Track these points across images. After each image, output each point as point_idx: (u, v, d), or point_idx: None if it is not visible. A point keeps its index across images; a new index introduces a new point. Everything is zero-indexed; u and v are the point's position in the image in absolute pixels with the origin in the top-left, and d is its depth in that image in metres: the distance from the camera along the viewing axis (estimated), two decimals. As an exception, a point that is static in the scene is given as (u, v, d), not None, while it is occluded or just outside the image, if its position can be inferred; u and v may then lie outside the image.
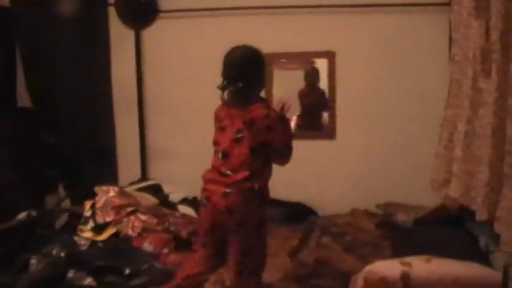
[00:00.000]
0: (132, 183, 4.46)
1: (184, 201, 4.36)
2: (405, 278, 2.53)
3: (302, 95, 4.58)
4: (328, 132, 4.52)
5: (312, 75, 4.57)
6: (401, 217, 4.00)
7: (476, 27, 2.49)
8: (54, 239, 3.45)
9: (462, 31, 2.68)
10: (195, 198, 4.39)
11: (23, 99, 4.59)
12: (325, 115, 4.57)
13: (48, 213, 4.07)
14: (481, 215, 2.37)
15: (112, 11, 4.61)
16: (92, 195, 3.94)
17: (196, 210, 4.15)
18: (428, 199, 3.90)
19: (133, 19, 4.59)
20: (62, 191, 4.63)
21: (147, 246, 3.54)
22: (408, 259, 2.70)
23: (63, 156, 4.61)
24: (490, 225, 2.42)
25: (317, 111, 4.63)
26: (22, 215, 3.68)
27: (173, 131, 4.66)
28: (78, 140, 4.65)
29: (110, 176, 4.65)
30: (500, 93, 2.25)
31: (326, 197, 4.47)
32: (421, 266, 2.61)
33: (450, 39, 3.94)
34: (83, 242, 3.50)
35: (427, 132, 4.10)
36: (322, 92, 4.52)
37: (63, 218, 3.96)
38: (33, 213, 3.75)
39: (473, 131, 2.53)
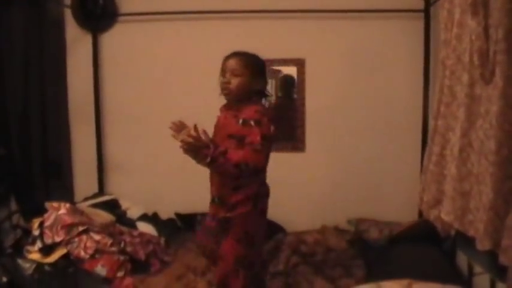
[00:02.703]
0: (87, 199, 3.87)
1: (144, 217, 3.80)
2: (385, 305, 2.14)
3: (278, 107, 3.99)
4: (297, 145, 3.99)
5: (287, 85, 3.98)
6: (374, 234, 3.60)
7: (472, 26, 2.01)
8: (-5, 262, 3.00)
9: (455, 31, 2.19)
10: (155, 214, 3.86)
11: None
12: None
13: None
14: (483, 244, 1.88)
15: (68, 13, 4.03)
16: (45, 211, 3.40)
17: (156, 226, 3.64)
18: (401, 214, 3.66)
19: (90, 22, 4.01)
20: (14, 205, 4.00)
21: (100, 269, 3.05)
22: (387, 284, 2.37)
23: (13, 169, 3.98)
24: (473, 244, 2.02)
25: (293, 123, 4.00)
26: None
27: (133, 142, 4.12)
28: (29, 151, 4.03)
29: (65, 190, 4.08)
30: (506, 101, 1.77)
31: (294, 212, 3.97)
32: (401, 291, 2.22)
33: (426, 46, 3.58)
34: (27, 265, 2.99)
35: (401, 143, 3.80)
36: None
37: (15, 235, 3.58)
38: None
39: (469, 144, 2.04)
